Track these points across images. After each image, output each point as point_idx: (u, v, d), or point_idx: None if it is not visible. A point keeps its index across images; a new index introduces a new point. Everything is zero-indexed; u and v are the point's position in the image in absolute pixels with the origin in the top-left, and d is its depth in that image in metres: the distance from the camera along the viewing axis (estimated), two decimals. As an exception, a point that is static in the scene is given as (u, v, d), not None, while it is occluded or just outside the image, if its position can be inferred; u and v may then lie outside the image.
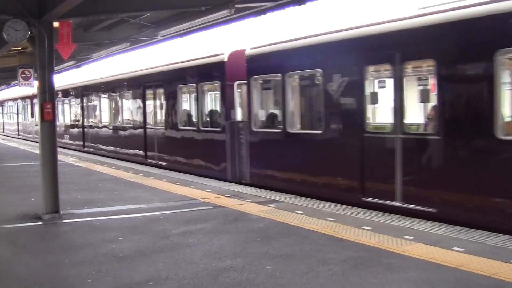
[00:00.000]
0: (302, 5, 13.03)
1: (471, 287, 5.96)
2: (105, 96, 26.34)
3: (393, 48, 10.47)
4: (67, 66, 28.05)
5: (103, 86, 26.56)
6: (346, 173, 11.68)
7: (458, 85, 9.60)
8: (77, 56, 23.62)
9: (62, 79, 31.50)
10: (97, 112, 27.62)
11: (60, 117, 31.93)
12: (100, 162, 21.05)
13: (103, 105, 26.95)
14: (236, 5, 12.68)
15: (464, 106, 9.57)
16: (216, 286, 6.17)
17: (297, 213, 10.19)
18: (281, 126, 13.65)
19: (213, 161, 16.58)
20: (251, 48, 14.98)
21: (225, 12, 13.01)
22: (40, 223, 9.95)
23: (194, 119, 18.22)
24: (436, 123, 10.04)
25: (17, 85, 22.49)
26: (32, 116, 39.89)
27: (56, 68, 12.22)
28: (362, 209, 10.53)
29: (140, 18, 16.85)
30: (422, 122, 11.82)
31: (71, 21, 13.06)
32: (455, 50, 9.57)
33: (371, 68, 11.58)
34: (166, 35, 17.73)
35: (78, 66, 28.44)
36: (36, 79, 11.06)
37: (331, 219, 9.54)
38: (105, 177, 16.27)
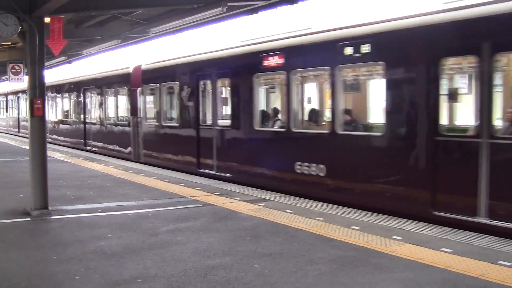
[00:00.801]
0: (294, 4, 13.08)
1: (458, 287, 5.99)
2: (59, 96, 31.88)
3: (212, 70, 16.02)
4: (58, 62, 28.02)
5: (57, 88, 31.66)
6: (190, 153, 16.93)
7: (237, 94, 15.01)
8: (68, 52, 23.59)
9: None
10: (53, 109, 32.71)
11: (22, 112, 38.96)
12: (89, 159, 21.00)
13: (58, 103, 32.36)
14: (228, 3, 12.70)
15: (239, 108, 14.84)
16: (205, 284, 6.17)
17: (286, 212, 10.21)
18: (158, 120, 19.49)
19: (124, 146, 22.17)
20: (144, 65, 20.60)
21: (217, 10, 13.04)
22: (29, 219, 9.91)
23: (113, 115, 24.01)
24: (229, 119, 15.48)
25: (7, 80, 22.39)
26: (7, 111, 45.07)
27: (47, 63, 12.20)
28: (351, 208, 10.60)
29: (131, 15, 16.83)
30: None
31: (62, 16, 13.05)
32: (237, 72, 14.93)
33: (202, 82, 16.68)
34: (157, 32, 17.73)
35: (69, 62, 28.40)
36: (26, 75, 11.00)
37: (320, 219, 9.57)
38: (94, 174, 16.24)
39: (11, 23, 10.17)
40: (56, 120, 32.13)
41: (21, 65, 19.62)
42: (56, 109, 32.54)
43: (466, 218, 8.97)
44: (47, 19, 11.79)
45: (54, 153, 22.85)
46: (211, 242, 8.05)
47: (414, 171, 10.04)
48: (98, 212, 10.45)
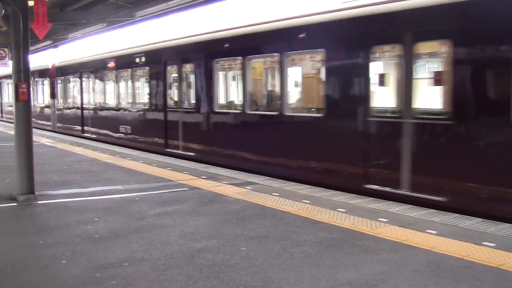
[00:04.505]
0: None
1: (442, 268, 6.05)
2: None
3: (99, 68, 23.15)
4: (44, 46, 27.81)
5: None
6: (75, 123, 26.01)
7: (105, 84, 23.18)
8: (53, 36, 23.42)
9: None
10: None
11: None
12: (76, 144, 20.90)
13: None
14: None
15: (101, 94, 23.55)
16: (191, 266, 6.19)
17: (273, 195, 10.24)
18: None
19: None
20: (57, 63, 28.56)
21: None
22: (15, 204, 9.87)
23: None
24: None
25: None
26: None
27: (32, 48, 12.10)
28: (337, 191, 10.66)
29: (117, -2, 16.71)
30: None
31: (47, 0, 12.91)
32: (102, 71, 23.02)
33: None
34: (143, 16, 17.62)
35: (55, 46, 28.19)
36: (11, 59, 10.91)
37: (307, 201, 9.61)
38: (81, 158, 16.18)
39: (-6, 6, 10.07)
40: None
41: (6, 49, 19.41)
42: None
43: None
44: (31, 3, 11.68)
45: (40, 138, 22.74)
46: (198, 226, 8.07)
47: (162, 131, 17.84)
48: (84, 196, 10.43)
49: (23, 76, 10.35)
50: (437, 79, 9.88)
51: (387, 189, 10.32)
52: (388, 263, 6.27)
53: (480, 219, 8.28)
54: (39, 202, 10.02)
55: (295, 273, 5.94)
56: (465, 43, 9.14)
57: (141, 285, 5.64)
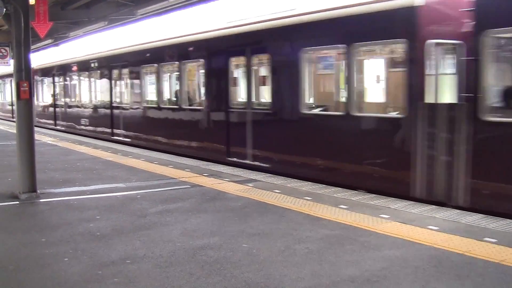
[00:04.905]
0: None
1: (444, 264, 6.06)
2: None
3: (66, 71, 27.18)
4: (45, 45, 27.83)
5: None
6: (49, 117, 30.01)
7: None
8: (55, 35, 23.40)
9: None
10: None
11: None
12: (78, 142, 20.94)
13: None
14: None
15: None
16: (193, 264, 6.21)
17: (275, 192, 10.25)
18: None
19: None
20: (35, 66, 29.61)
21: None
22: (17, 202, 9.88)
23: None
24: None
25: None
26: None
27: (34, 46, 12.10)
28: (339, 188, 10.65)
29: (118, -4, 16.72)
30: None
31: (48, -2, 12.89)
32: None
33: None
34: (144, 14, 17.62)
35: (56, 45, 28.21)
36: (12, 58, 10.90)
37: (308, 198, 9.62)
38: (83, 157, 16.20)
39: (-5, 5, 10.07)
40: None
41: (7, 48, 19.42)
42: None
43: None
44: (32, 1, 11.66)
45: (43, 137, 22.78)
46: (200, 223, 8.09)
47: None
48: (86, 194, 10.44)
49: (25, 75, 10.36)
50: (263, 81, 14.45)
51: (239, 160, 14.13)
52: (390, 259, 6.28)
53: (481, 215, 8.29)
54: (41, 200, 10.04)
55: (297, 270, 5.95)
56: (276, 56, 13.19)
57: (143, 282, 5.66)
